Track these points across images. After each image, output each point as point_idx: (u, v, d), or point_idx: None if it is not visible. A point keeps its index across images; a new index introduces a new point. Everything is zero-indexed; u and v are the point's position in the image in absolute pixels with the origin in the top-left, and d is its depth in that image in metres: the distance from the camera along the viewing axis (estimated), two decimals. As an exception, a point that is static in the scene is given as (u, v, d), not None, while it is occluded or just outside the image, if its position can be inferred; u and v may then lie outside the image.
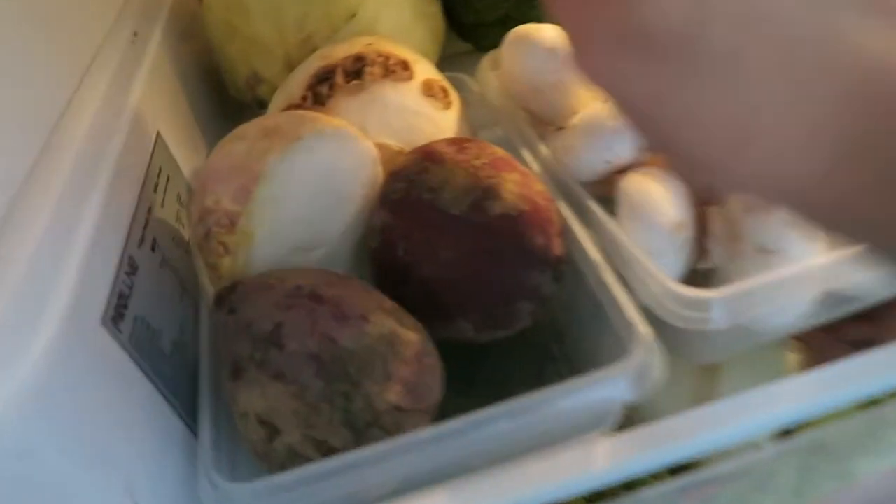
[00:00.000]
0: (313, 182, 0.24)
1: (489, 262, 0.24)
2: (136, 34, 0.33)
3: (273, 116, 0.24)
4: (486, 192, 0.25)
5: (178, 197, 0.29)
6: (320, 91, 0.29)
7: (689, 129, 0.16)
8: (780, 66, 0.14)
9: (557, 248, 0.26)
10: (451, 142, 0.27)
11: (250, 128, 0.23)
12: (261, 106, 0.38)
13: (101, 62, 0.29)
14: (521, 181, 0.26)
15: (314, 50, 0.35)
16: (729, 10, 0.14)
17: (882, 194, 0.14)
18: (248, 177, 0.21)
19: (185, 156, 0.33)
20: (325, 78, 0.29)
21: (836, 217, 0.16)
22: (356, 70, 0.29)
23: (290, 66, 0.35)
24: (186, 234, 0.29)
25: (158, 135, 0.29)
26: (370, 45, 0.30)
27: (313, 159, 0.23)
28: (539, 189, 0.26)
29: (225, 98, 0.43)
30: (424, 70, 0.30)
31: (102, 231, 0.21)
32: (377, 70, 0.29)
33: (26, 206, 0.20)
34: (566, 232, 0.26)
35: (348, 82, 0.29)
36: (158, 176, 0.27)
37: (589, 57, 0.16)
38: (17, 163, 0.20)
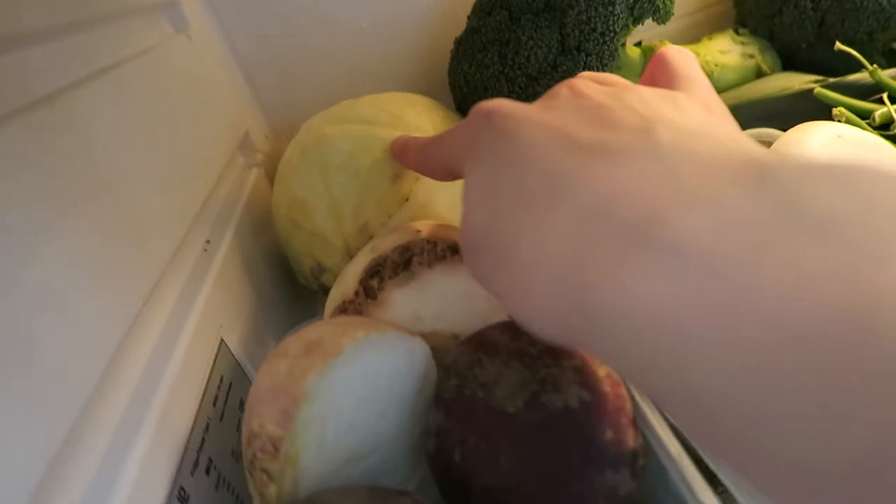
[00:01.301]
0: (360, 391, 0.23)
1: (555, 465, 0.22)
2: (208, 242, 0.35)
3: (316, 327, 0.24)
4: (543, 385, 0.23)
5: (241, 403, 0.29)
6: (371, 285, 0.29)
7: (501, 294, 0.20)
8: (534, 229, 0.18)
9: (632, 439, 0.23)
10: (506, 327, 0.26)
11: (293, 342, 0.23)
12: (325, 291, 0.39)
13: (171, 275, 0.30)
14: (582, 366, 0.24)
15: (371, 236, 0.36)
16: (506, 207, 0.19)
17: (589, 333, 0.16)
18: (289, 399, 0.21)
19: (251, 351, 0.34)
20: (375, 272, 0.29)
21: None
22: (405, 260, 0.29)
23: (350, 254, 0.36)
24: (247, 442, 0.28)
25: (222, 342, 0.30)
26: (419, 231, 0.30)
27: (356, 370, 0.22)
28: (605, 373, 0.24)
29: (296, 284, 0.45)
30: (475, 250, 0.30)
31: (149, 468, 0.20)
32: (425, 258, 0.29)
33: (78, 445, 0.20)
34: (641, 419, 0.24)
35: (397, 274, 0.29)
36: (219, 387, 0.28)
37: (464, 258, 0.22)
38: (83, 384, 0.21)
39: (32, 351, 0.18)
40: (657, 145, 0.16)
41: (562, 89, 0.22)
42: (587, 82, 0.22)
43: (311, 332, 0.23)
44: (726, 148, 0.16)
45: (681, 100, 0.20)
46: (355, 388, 0.23)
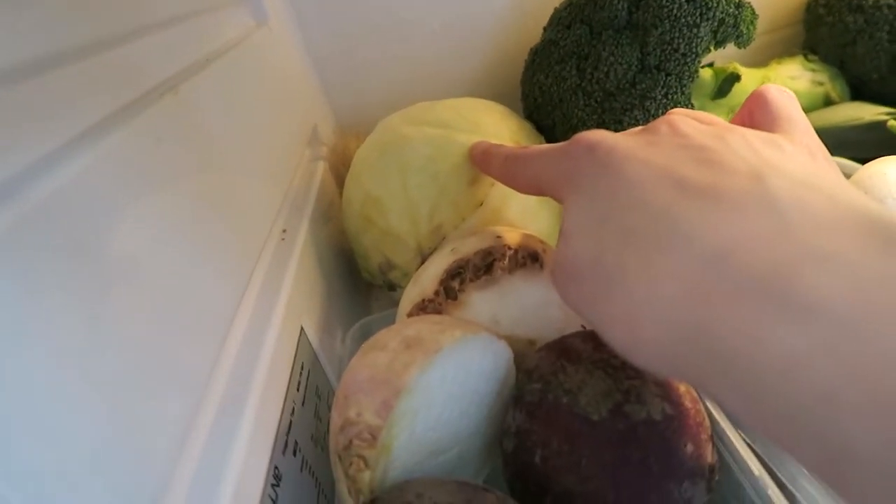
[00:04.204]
0: (450, 388, 0.24)
1: (634, 474, 0.23)
2: (284, 231, 0.37)
3: (412, 324, 0.25)
4: (626, 396, 0.24)
5: (317, 390, 0.30)
6: (452, 286, 0.30)
7: (603, 324, 0.20)
8: (643, 266, 0.18)
9: (709, 455, 0.23)
10: (587, 337, 0.27)
11: (391, 337, 0.24)
12: (390, 288, 0.40)
13: (260, 261, 0.31)
14: (663, 380, 0.24)
15: (443, 237, 0.36)
16: (613, 241, 0.19)
17: (713, 379, 0.17)
18: (390, 391, 0.22)
19: (322, 340, 0.35)
20: (456, 273, 0.30)
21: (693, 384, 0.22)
22: (486, 264, 0.30)
23: (421, 253, 0.37)
24: (322, 428, 0.29)
25: (302, 330, 0.31)
26: (499, 237, 0.31)
27: (452, 368, 0.23)
28: (685, 388, 0.25)
29: (355, 275, 0.46)
30: (553, 259, 0.31)
31: (253, 447, 0.22)
32: (506, 263, 0.30)
33: (195, 426, 0.21)
34: (717, 436, 0.24)
35: (479, 277, 0.30)
36: (301, 373, 0.29)
37: (555, 283, 0.23)
38: (202, 366, 0.22)
39: (166, 340, 0.20)
40: (772, 196, 0.17)
41: (661, 126, 0.22)
42: (687, 120, 0.22)
43: (408, 328, 0.24)
44: (841, 203, 0.16)
45: (784, 144, 0.20)
46: (447, 384, 0.24)
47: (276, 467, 0.23)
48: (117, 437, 0.17)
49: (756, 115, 0.24)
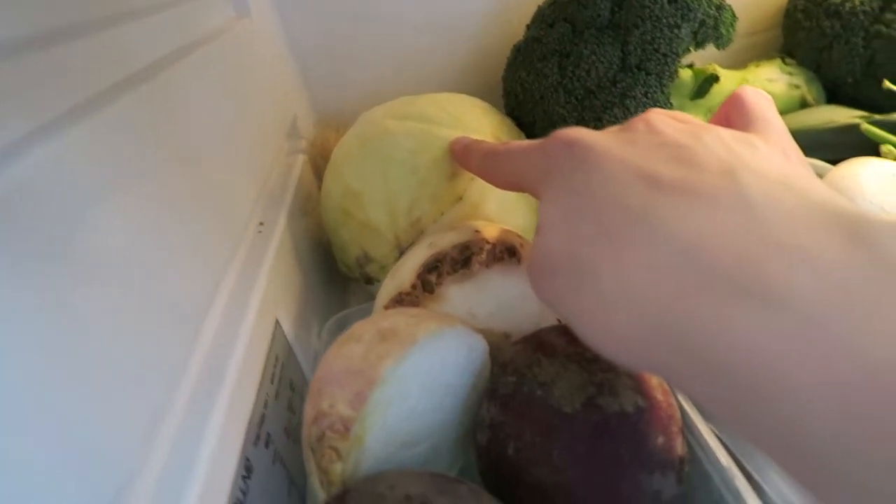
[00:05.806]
0: (424, 381, 0.24)
1: (606, 465, 0.23)
2: (261, 224, 0.36)
3: (388, 316, 0.25)
4: (600, 388, 0.24)
5: (290, 383, 0.30)
6: (429, 279, 0.30)
7: (576, 318, 0.20)
8: (615, 260, 0.18)
9: (680, 447, 0.24)
10: (562, 330, 0.27)
11: (367, 329, 0.24)
12: (367, 281, 0.40)
13: (236, 252, 0.31)
14: (636, 373, 0.25)
15: (422, 231, 0.36)
16: (587, 235, 0.19)
17: (680, 370, 0.17)
18: (364, 382, 0.22)
19: (297, 333, 0.34)
20: (433, 267, 0.30)
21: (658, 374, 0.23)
22: (464, 258, 0.30)
23: (399, 246, 0.37)
24: (295, 421, 0.29)
25: (277, 323, 0.30)
26: (477, 232, 0.31)
27: (427, 360, 0.23)
28: (657, 381, 0.25)
29: (332, 268, 0.46)
30: (531, 254, 0.31)
31: (224, 438, 0.21)
32: (484, 257, 0.30)
33: (166, 415, 0.21)
34: (688, 428, 0.25)
35: (456, 271, 0.30)
36: (275, 365, 0.28)
37: (530, 278, 0.23)
38: (176, 354, 0.22)
39: (138, 331, 0.19)
40: (743, 192, 0.17)
41: (638, 124, 0.22)
42: (664, 118, 0.22)
43: (384, 320, 0.24)
44: (811, 200, 0.17)
45: (758, 143, 0.20)
46: (421, 377, 0.24)
47: (247, 459, 0.23)
48: (86, 428, 0.16)
49: (732, 116, 0.24)
